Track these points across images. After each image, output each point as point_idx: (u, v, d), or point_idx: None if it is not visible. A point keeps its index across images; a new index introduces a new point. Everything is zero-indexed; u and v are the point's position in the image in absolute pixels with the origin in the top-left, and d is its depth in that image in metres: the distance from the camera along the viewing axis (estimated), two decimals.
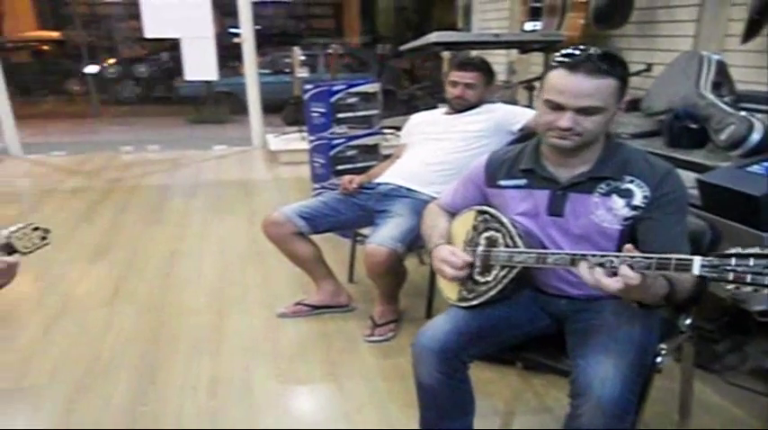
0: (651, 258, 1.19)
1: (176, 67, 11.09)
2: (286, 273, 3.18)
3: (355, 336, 2.62)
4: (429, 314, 2.69)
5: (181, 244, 3.82)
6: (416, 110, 2.97)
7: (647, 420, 1.60)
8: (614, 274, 1.22)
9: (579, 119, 1.39)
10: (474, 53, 4.11)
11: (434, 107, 2.88)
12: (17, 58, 12.22)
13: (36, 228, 1.63)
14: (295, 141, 6.34)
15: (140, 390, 2.24)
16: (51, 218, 4.34)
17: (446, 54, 6.16)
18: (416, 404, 1.63)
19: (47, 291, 3.13)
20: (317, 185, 3.95)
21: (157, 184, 5.45)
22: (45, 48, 13.30)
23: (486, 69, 2.68)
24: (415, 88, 8.15)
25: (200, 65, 6.35)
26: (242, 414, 2.11)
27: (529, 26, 4.60)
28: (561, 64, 1.39)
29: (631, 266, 1.19)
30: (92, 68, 11.63)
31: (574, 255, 1.31)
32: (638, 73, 3.39)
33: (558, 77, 1.39)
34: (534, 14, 4.54)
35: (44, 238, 1.65)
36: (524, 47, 4.05)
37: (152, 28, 6.15)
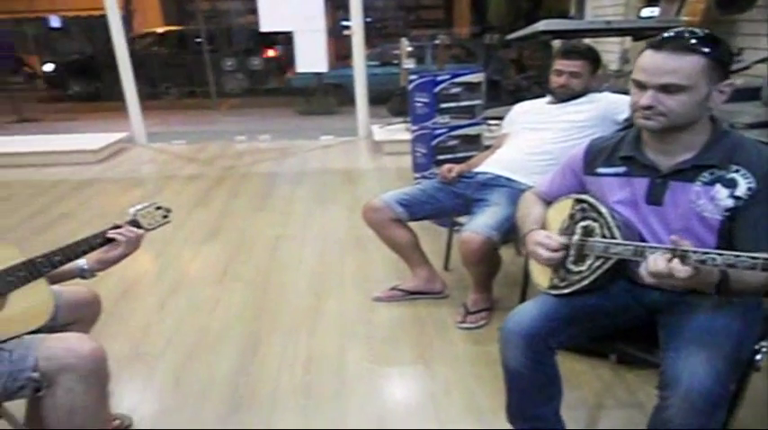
0: (757, 258, 1.12)
1: (288, 60, 11.52)
2: (382, 259, 3.25)
3: (447, 323, 2.63)
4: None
5: (285, 229, 3.97)
6: (522, 100, 2.92)
7: (744, 420, 1.51)
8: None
9: (661, 97, 1.34)
10: (584, 41, 3.97)
11: (541, 97, 2.82)
12: (144, 52, 13.08)
13: (159, 208, 1.80)
14: (399, 132, 6.40)
15: (243, 363, 2.38)
16: (170, 201, 4.57)
17: (556, 43, 6.00)
18: (504, 390, 1.63)
19: (164, 268, 3.38)
20: (417, 175, 3.98)
21: (266, 172, 5.70)
22: (169, 42, 14.16)
23: (591, 57, 2.58)
24: (521, 78, 7.98)
25: (311, 57, 6.55)
26: (334, 390, 2.19)
27: (646, 12, 4.40)
28: (650, 43, 1.35)
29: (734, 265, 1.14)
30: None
31: (674, 250, 1.25)
32: (763, 60, 3.15)
33: (644, 56, 1.36)
34: (652, 0, 4.33)
35: (165, 217, 1.82)
36: (638, 34, 3.87)
37: (267, 22, 6.41)
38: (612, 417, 2.00)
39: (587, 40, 4.17)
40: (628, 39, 4.75)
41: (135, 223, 1.71)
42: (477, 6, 14.74)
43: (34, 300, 1.45)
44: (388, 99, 8.36)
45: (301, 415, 2.06)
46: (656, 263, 1.24)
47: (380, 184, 4.97)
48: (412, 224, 2.76)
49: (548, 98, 2.73)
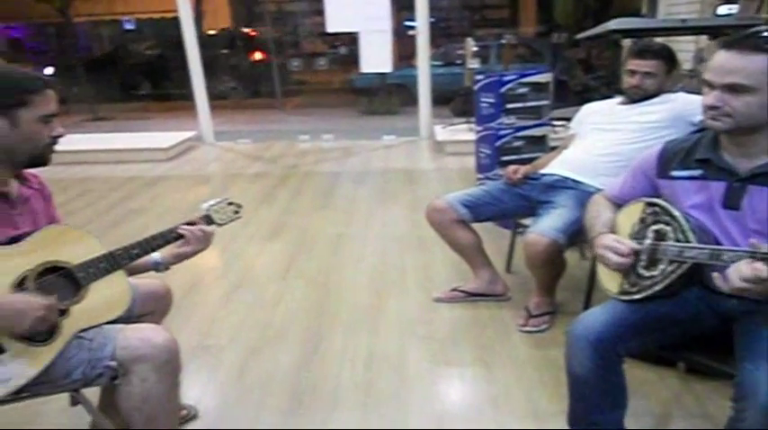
0: None
1: (352, 61, 11.62)
2: (444, 260, 3.24)
3: (508, 325, 2.60)
4: (587, 309, 2.59)
5: (347, 227, 4.02)
6: (590, 101, 2.86)
7: None
8: None
9: (726, 97, 1.31)
10: (657, 40, 3.85)
11: (609, 98, 2.75)
12: (213, 52, 13.46)
13: (230, 203, 1.86)
14: (461, 132, 6.37)
15: (305, 358, 2.41)
16: (236, 199, 4.75)
17: (626, 42, 5.83)
18: (566, 395, 1.60)
19: (229, 263, 3.48)
20: (481, 176, 3.95)
21: (329, 171, 5.77)
22: (237, 43, 14.52)
23: (667, 57, 2.48)
24: (590, 78, 7.79)
25: (375, 57, 6.59)
26: (394, 389, 2.19)
27: (722, 10, 4.22)
28: (722, 42, 1.32)
29: None
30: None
31: (753, 252, 1.20)
32: None
33: (715, 55, 1.33)
34: None
35: (236, 212, 1.88)
36: (714, 32, 3.71)
37: (334, 23, 6.49)
38: (681, 425, 1.93)
39: (660, 39, 4.04)
40: (703, 37, 4.57)
41: (208, 218, 1.77)
42: (544, 5, 14.51)
43: (113, 291, 1.51)
44: (450, 99, 8.32)
45: (361, 412, 2.07)
46: (742, 269, 1.20)
47: (442, 185, 4.95)
48: (474, 225, 2.73)
49: (618, 98, 2.66)
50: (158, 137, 6.87)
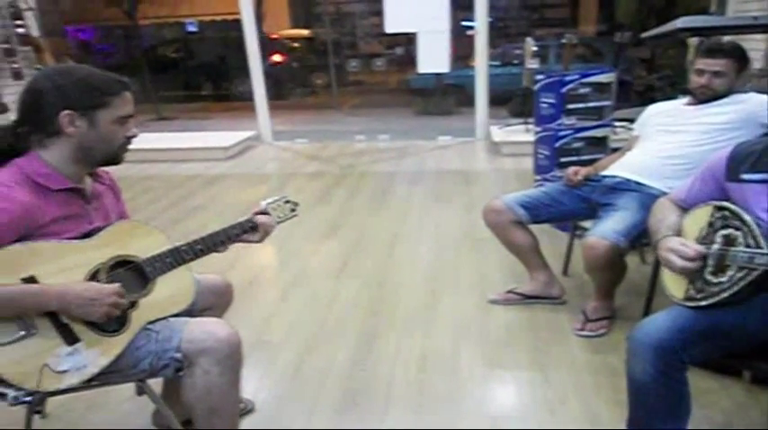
0: None
1: (408, 61, 11.61)
2: (499, 261, 3.21)
3: (565, 329, 2.56)
4: (647, 315, 2.52)
5: (402, 227, 4.03)
6: (653, 101, 2.78)
7: None
8: None
9: None
10: (726, 38, 3.71)
11: (672, 98, 2.67)
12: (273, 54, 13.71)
13: (288, 201, 1.91)
14: (518, 133, 6.30)
15: (359, 356, 2.44)
16: (293, 198, 4.85)
17: (692, 41, 5.64)
18: (625, 402, 1.57)
19: (286, 261, 3.54)
20: (538, 177, 3.90)
21: (385, 171, 5.80)
22: (296, 45, 14.76)
23: (738, 56, 2.39)
24: (653, 78, 7.58)
25: (433, 58, 6.58)
26: (447, 390, 2.19)
27: None
28: None
29: None
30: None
31: None
32: None
33: None
34: None
35: (293, 211, 1.93)
36: None
37: (393, 23, 6.52)
38: None
39: (728, 37, 3.89)
40: None
41: (265, 215, 1.82)
42: (606, 4, 14.19)
43: (178, 285, 1.57)
44: (507, 100, 8.24)
45: (415, 412, 2.08)
46: None
47: (498, 186, 4.91)
48: (532, 227, 2.70)
49: (685, 99, 2.58)
50: (218, 136, 7.05)
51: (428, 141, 7.12)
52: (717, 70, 2.36)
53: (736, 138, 2.22)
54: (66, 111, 1.41)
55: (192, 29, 17.88)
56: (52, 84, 1.42)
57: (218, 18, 16.42)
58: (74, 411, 2.10)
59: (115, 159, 1.54)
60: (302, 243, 3.77)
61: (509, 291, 2.83)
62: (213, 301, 1.80)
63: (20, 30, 5.90)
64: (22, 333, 1.29)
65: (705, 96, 2.42)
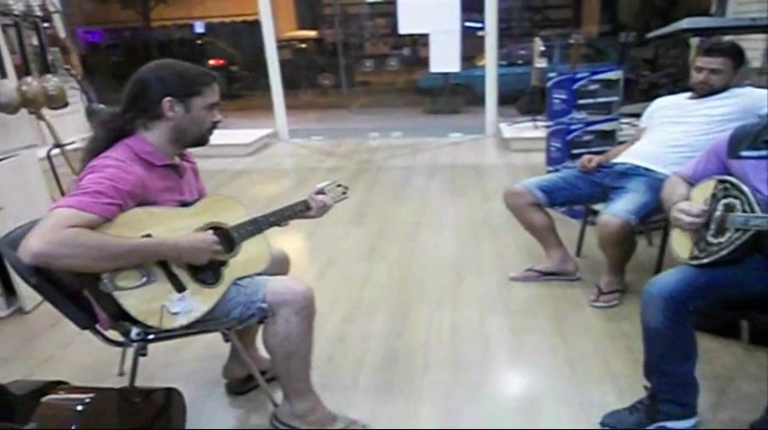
0: None
1: (415, 62, 11.84)
2: (517, 244, 3.49)
3: (580, 301, 2.82)
4: None
5: (422, 217, 4.29)
6: (657, 98, 3.04)
7: None
8: None
9: None
10: (726, 38, 3.96)
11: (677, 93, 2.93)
12: (282, 55, 13.96)
13: (339, 185, 2.19)
14: (527, 130, 6.56)
15: (395, 327, 2.70)
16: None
17: (694, 41, 5.89)
18: (639, 361, 1.85)
19: (319, 245, 3.81)
20: (550, 168, 4.15)
21: (400, 166, 6.07)
22: (303, 46, 15.00)
23: (734, 54, 2.65)
24: (658, 76, 7.83)
25: (444, 58, 6.85)
26: (478, 352, 2.45)
27: None
28: None
29: None
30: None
31: None
32: None
33: None
34: None
35: (344, 193, 2.21)
36: None
37: (406, 25, 6.79)
38: (744, 388, 2.11)
39: (729, 37, 4.15)
40: None
41: (323, 194, 2.10)
42: (608, 5, 14.43)
43: (258, 249, 1.84)
44: (514, 98, 8.48)
45: (452, 369, 2.34)
46: None
47: (510, 179, 5.15)
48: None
49: (688, 93, 2.84)
50: (239, 134, 7.30)
51: (440, 138, 7.38)
52: (714, 68, 2.63)
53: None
54: (168, 98, 1.68)
55: (199, 30, 18.10)
56: (155, 75, 1.69)
57: (227, 20, 16.70)
58: (148, 368, 2.36)
59: (202, 141, 1.80)
60: (332, 229, 4.01)
61: (528, 269, 3.09)
62: (276, 269, 2.06)
63: (48, 31, 6.15)
64: (144, 279, 1.56)
65: (704, 91, 2.69)
